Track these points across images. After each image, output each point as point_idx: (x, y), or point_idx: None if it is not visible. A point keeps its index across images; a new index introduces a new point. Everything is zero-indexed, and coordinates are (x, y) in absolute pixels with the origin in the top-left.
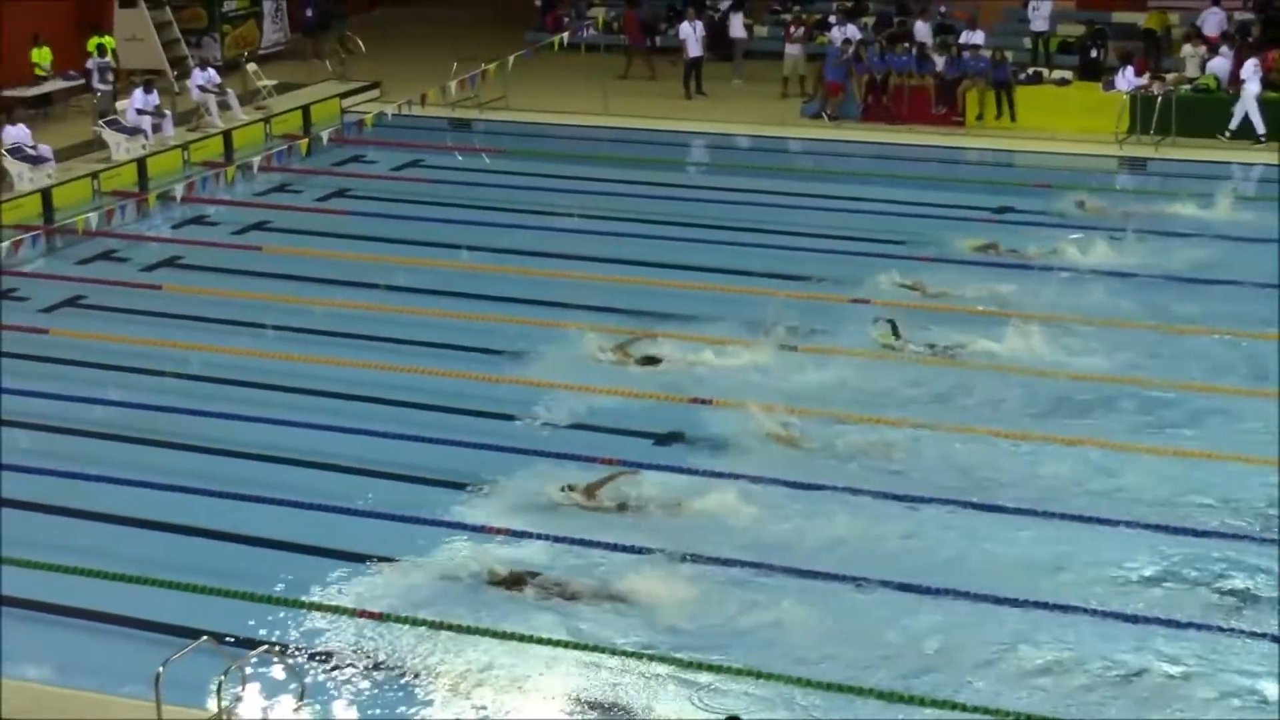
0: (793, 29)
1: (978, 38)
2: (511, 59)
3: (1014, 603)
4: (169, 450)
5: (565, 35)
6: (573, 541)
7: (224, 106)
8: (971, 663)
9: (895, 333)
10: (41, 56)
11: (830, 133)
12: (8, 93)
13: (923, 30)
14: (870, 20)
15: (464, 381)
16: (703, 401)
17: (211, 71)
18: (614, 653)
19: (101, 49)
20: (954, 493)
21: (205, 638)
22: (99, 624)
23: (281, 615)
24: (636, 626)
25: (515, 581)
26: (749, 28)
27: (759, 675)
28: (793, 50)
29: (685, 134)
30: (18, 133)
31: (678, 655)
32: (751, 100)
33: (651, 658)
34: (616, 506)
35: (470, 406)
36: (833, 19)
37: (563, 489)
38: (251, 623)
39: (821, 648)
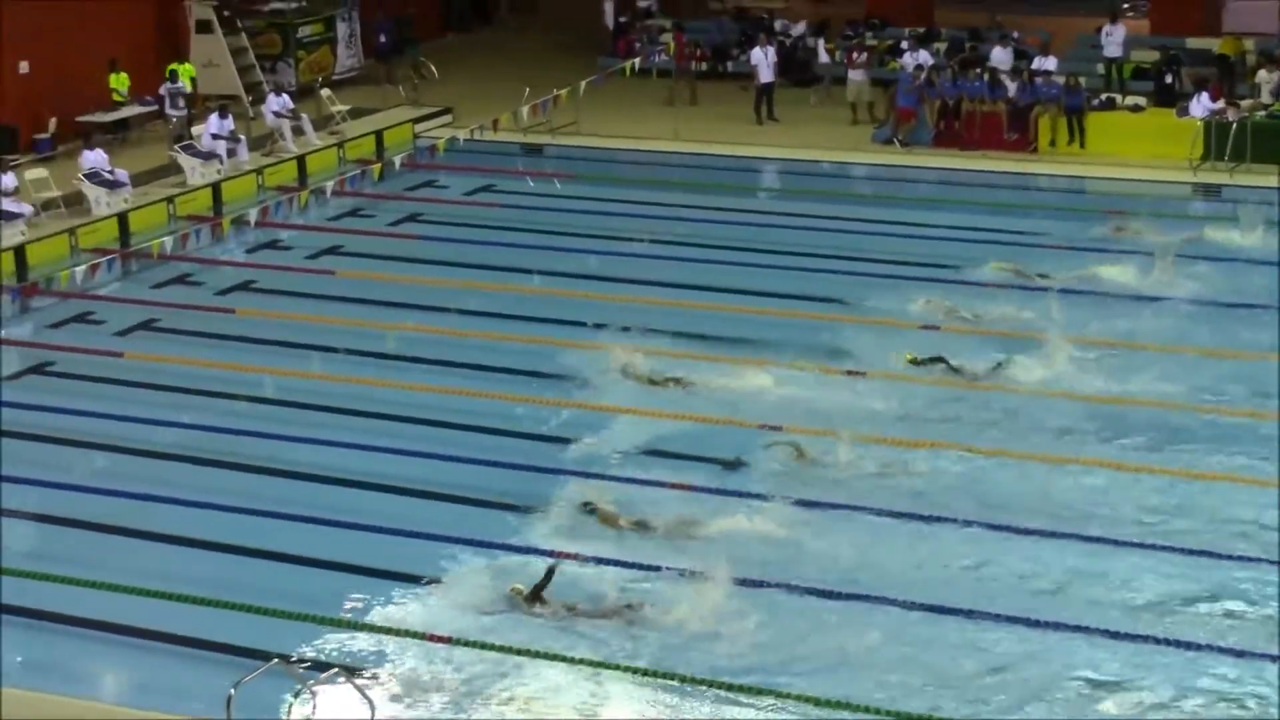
0: (855, 55)
1: (1050, 64)
2: (583, 84)
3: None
4: (240, 473)
5: (637, 61)
6: (634, 566)
7: (298, 131)
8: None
9: (936, 360)
10: (119, 82)
11: (901, 158)
12: (86, 118)
13: (999, 56)
14: (943, 45)
15: (533, 407)
16: (772, 428)
17: (286, 97)
18: (679, 679)
19: (174, 75)
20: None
21: (276, 660)
22: (171, 645)
23: (350, 638)
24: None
25: (572, 609)
26: (831, 53)
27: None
28: (856, 76)
29: (756, 160)
30: (95, 157)
31: (738, 681)
32: (823, 126)
33: (711, 683)
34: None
35: (537, 431)
36: (905, 44)
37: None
38: (321, 645)
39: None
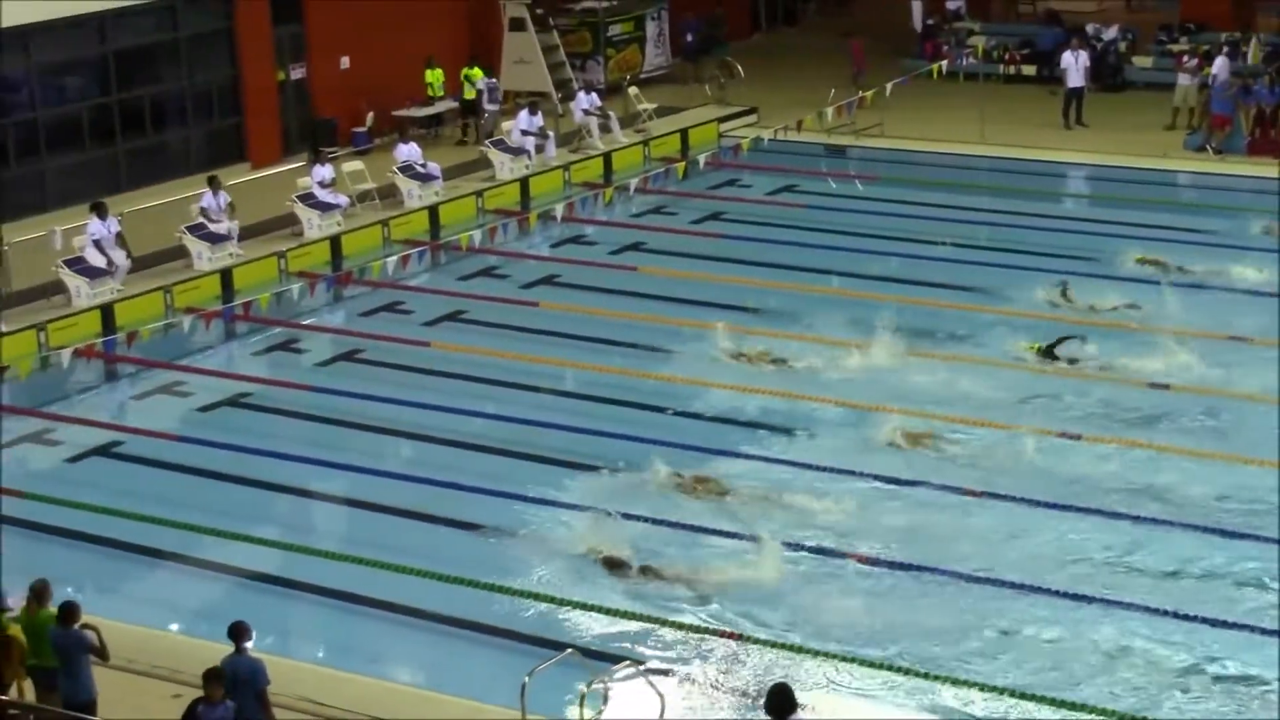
0: (1184, 59)
1: None
2: (889, 86)
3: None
4: (539, 464)
5: (944, 63)
6: None
7: (605, 129)
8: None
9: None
10: (434, 78)
11: (1214, 166)
12: (400, 112)
13: None
14: (1262, 52)
15: (820, 406)
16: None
17: (594, 95)
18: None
19: (469, 80)
20: None
21: (570, 650)
22: (468, 631)
23: (642, 630)
24: None
25: None
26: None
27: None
28: (1184, 80)
29: (1063, 165)
30: (409, 151)
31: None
32: (1133, 132)
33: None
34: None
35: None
36: (1227, 50)
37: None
38: (613, 637)
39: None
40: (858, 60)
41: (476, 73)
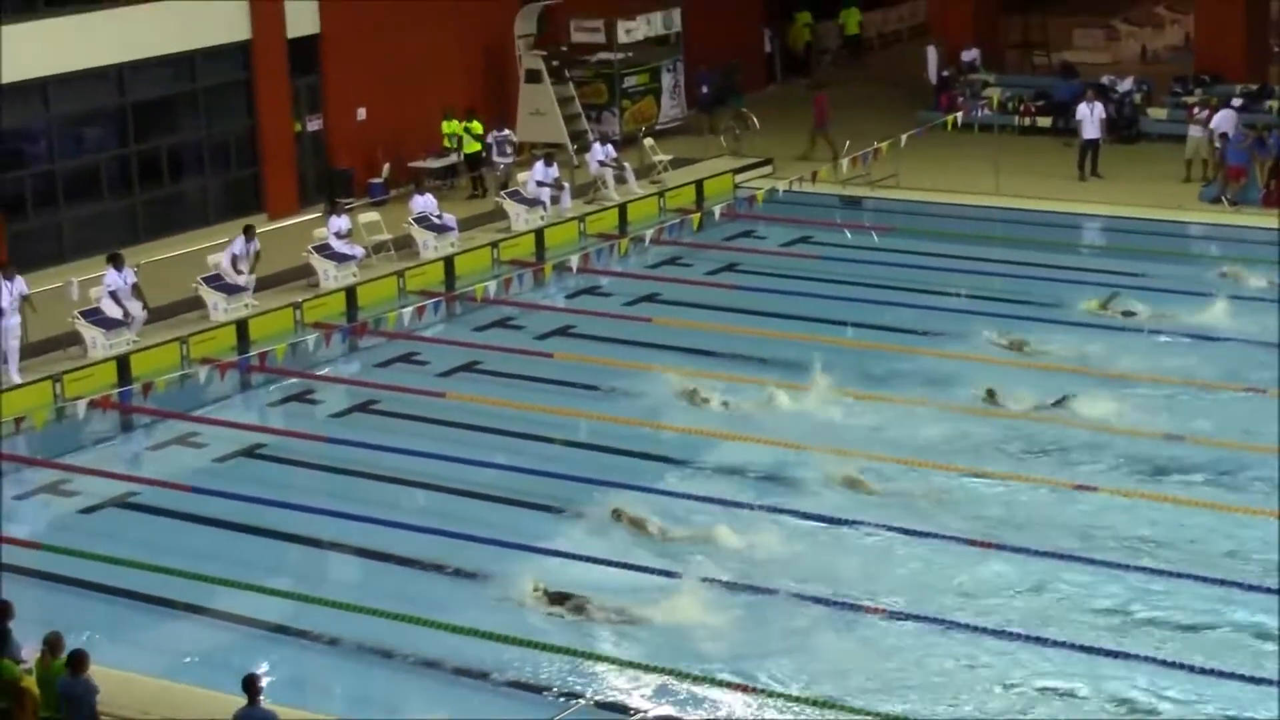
0: (1195, 110)
1: None
2: (904, 137)
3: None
4: (551, 515)
5: (959, 115)
6: None
7: (620, 180)
8: None
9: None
10: (451, 129)
11: (1229, 218)
12: (416, 164)
13: None
14: (1276, 104)
15: (839, 458)
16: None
17: (610, 146)
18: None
19: (469, 132)
20: None
21: (581, 701)
22: (482, 682)
23: (657, 682)
24: None
25: None
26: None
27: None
28: (1195, 132)
29: (1077, 216)
30: (425, 202)
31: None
32: (1148, 183)
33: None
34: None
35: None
36: (1235, 102)
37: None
38: (637, 688)
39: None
40: (820, 114)
41: (476, 126)
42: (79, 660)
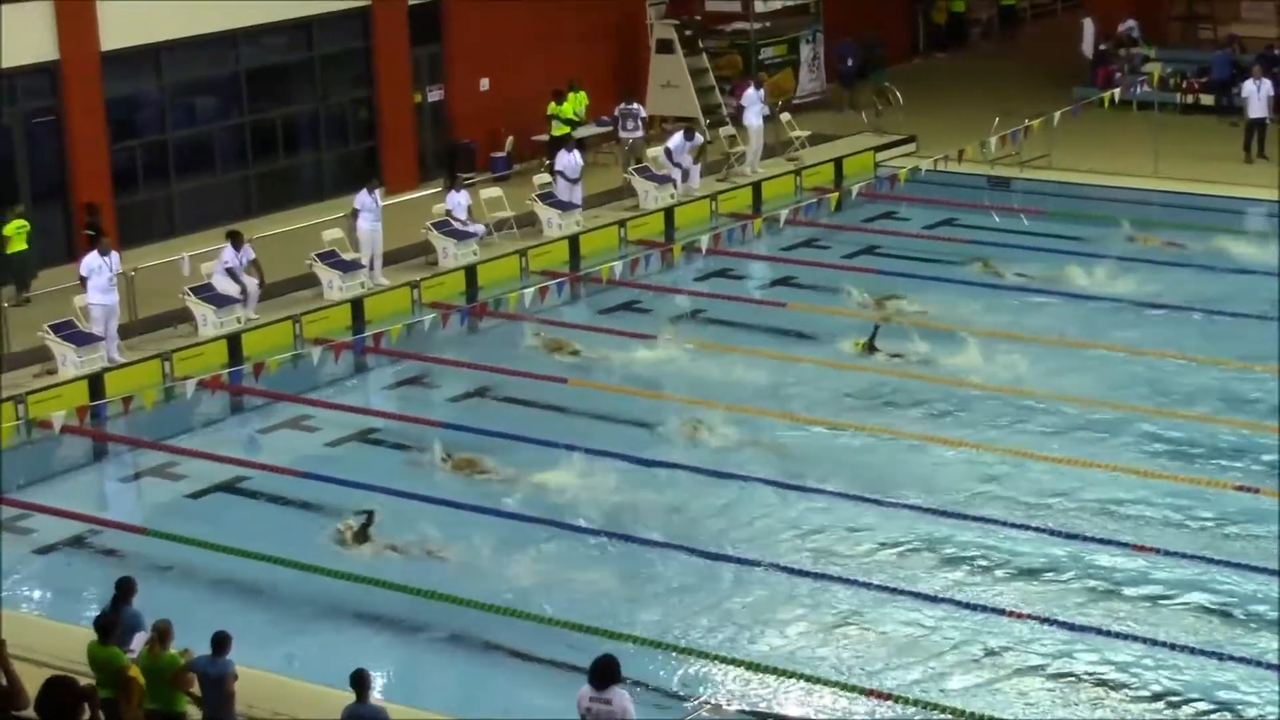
0: None
1: None
2: (1058, 115)
3: None
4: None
5: (1116, 92)
6: None
7: (684, 178)
8: None
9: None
10: (576, 101)
11: None
12: (540, 137)
13: None
14: None
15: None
16: None
17: (697, 137)
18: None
19: (558, 116)
20: None
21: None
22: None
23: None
24: None
25: None
26: None
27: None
28: None
29: (1240, 200)
30: (569, 159)
31: None
32: None
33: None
34: None
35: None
36: None
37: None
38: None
39: None
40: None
41: (583, 97)
42: (221, 642)
